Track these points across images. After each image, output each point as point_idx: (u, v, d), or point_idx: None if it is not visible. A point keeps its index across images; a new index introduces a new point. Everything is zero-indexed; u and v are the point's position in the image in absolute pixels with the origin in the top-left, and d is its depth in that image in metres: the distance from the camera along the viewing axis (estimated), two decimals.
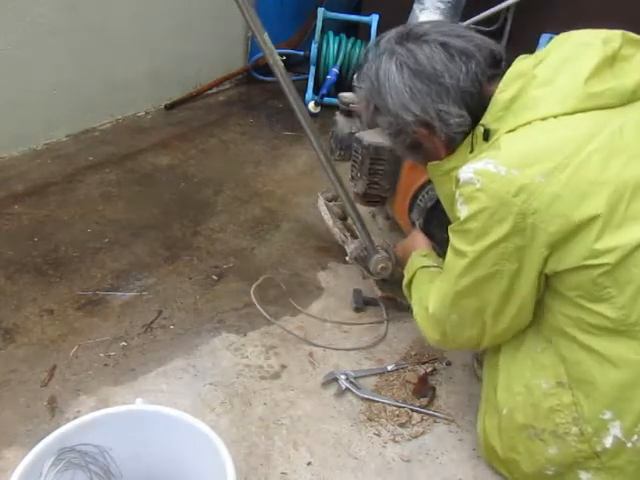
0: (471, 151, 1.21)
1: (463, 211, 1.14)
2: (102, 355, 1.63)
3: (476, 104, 1.21)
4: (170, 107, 3.30)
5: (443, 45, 1.21)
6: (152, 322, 1.76)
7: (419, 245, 1.60)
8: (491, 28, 3.65)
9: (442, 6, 2.29)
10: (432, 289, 1.31)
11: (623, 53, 1.15)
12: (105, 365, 1.59)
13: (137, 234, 2.17)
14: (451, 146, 1.26)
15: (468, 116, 1.21)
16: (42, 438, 1.08)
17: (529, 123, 1.12)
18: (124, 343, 1.67)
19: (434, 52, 1.20)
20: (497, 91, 1.18)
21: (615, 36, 1.17)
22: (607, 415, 1.12)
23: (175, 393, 1.52)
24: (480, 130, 1.19)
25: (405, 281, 1.52)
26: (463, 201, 1.14)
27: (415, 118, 1.23)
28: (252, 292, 1.84)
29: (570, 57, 1.16)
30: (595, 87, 1.11)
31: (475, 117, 1.21)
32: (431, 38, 1.22)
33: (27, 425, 1.41)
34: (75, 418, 1.26)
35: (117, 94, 3.03)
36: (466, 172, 1.13)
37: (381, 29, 3.50)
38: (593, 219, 1.05)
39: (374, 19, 3.53)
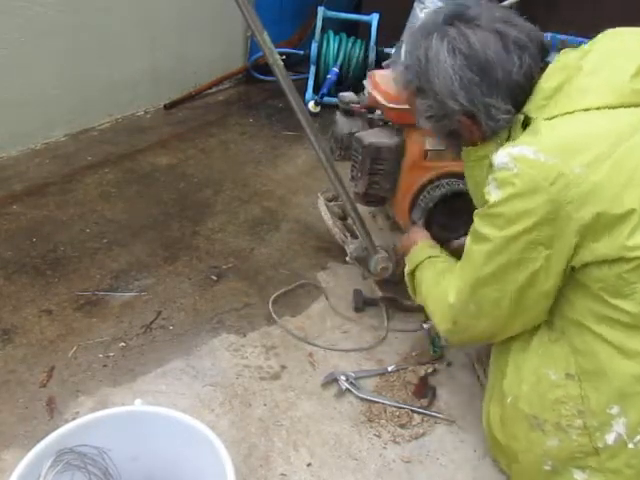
0: (508, 138, 1.20)
1: (495, 195, 1.12)
2: (101, 356, 1.62)
3: (523, 97, 1.18)
4: (169, 107, 3.29)
5: (498, 33, 1.16)
6: (151, 323, 1.75)
7: (421, 238, 1.60)
8: None
9: (443, 5, 2.28)
10: (452, 278, 1.28)
11: None
12: (104, 366, 1.59)
13: (136, 234, 2.17)
14: (491, 136, 1.24)
15: (514, 110, 1.19)
16: (41, 439, 1.08)
17: (570, 113, 1.11)
18: (123, 344, 1.67)
19: (488, 40, 1.16)
20: (541, 80, 1.16)
21: None
22: (614, 410, 1.12)
23: (174, 394, 1.52)
24: (520, 118, 1.17)
25: (408, 269, 1.51)
26: (496, 185, 1.11)
27: (461, 108, 1.20)
28: (271, 301, 1.85)
29: (616, 52, 1.16)
30: None
31: (520, 109, 1.19)
32: (484, 23, 1.17)
33: (26, 426, 1.40)
34: (74, 419, 1.26)
35: (116, 93, 3.02)
36: (502, 157, 1.11)
37: (381, 28, 3.49)
38: (629, 214, 1.04)
39: (374, 18, 3.52)
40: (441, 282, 1.35)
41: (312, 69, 3.56)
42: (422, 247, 1.53)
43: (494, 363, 1.37)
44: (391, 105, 1.64)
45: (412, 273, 1.50)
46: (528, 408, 1.22)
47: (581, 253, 1.09)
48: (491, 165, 1.14)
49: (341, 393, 1.56)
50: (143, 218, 2.27)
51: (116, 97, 3.03)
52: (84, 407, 1.45)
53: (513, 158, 1.09)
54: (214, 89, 3.59)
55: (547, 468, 1.22)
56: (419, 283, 1.46)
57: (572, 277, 1.15)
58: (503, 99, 1.17)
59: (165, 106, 3.28)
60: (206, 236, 2.20)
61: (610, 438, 1.13)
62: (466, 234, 1.68)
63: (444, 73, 1.18)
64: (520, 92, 1.18)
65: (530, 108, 1.17)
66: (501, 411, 1.29)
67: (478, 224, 1.19)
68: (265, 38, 1.47)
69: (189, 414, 1.16)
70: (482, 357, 1.64)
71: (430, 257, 1.48)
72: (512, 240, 1.12)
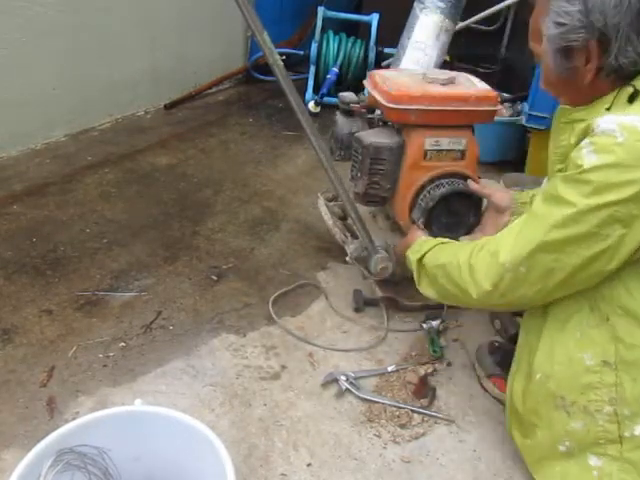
0: (608, 108, 1.16)
1: (589, 160, 1.07)
2: (101, 356, 1.62)
3: None
4: (169, 107, 3.30)
5: None
6: (151, 323, 1.75)
7: (424, 234, 1.59)
8: (492, 27, 3.65)
9: (443, 5, 2.29)
10: (504, 239, 1.23)
11: None
12: (104, 366, 1.59)
13: (136, 234, 2.17)
14: (597, 81, 1.18)
15: None
16: (41, 439, 1.07)
17: None
18: (123, 344, 1.67)
19: None
20: None
21: None
22: None
23: (174, 394, 1.52)
24: (628, 91, 1.13)
25: (414, 258, 1.49)
26: (593, 150, 1.07)
27: (602, 27, 1.11)
28: (271, 301, 1.85)
29: None
30: None
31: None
32: None
33: (26, 426, 1.40)
34: (74, 419, 1.26)
35: (116, 94, 3.03)
36: (608, 122, 1.07)
37: (381, 28, 3.50)
38: None
39: (374, 18, 3.53)
40: (484, 245, 1.29)
41: (312, 69, 3.56)
42: (428, 239, 1.53)
43: (524, 337, 1.34)
44: (391, 105, 1.64)
45: (420, 260, 1.48)
46: (556, 388, 1.21)
47: None
48: (586, 131, 1.10)
49: (341, 393, 1.56)
50: (143, 218, 2.27)
51: (116, 97, 3.04)
52: (84, 407, 1.45)
53: (621, 126, 1.05)
54: (214, 89, 3.60)
55: (562, 449, 1.21)
56: (433, 262, 1.43)
57: (639, 265, 1.12)
58: None
59: (165, 106, 3.28)
60: (206, 236, 2.20)
61: (638, 429, 1.13)
62: (467, 234, 1.71)
63: None
64: None
65: None
66: (525, 385, 1.28)
67: (560, 187, 1.12)
68: (265, 38, 1.47)
69: (189, 414, 1.16)
70: (481, 357, 1.64)
71: (443, 242, 1.47)
72: (594, 211, 1.07)
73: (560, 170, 1.18)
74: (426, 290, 1.48)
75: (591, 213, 1.08)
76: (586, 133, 1.11)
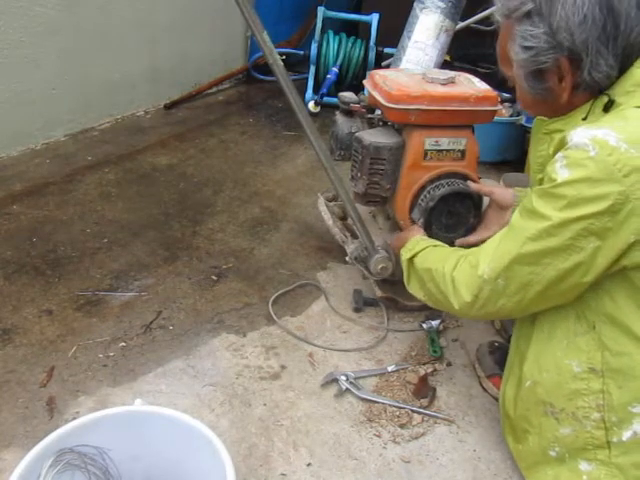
0: (584, 118, 1.16)
1: (562, 174, 1.07)
2: (101, 356, 1.62)
3: (627, 66, 1.13)
4: (169, 107, 3.30)
5: None
6: (151, 322, 1.75)
7: (419, 233, 1.60)
8: (492, 27, 3.64)
9: (443, 5, 2.29)
10: (484, 251, 1.24)
11: None
12: (104, 366, 1.59)
13: (136, 234, 2.17)
14: (573, 97, 1.18)
15: (616, 72, 1.13)
16: (41, 439, 1.07)
17: None
18: (123, 344, 1.67)
19: None
20: (636, 65, 1.13)
21: None
22: (637, 408, 1.12)
23: (174, 394, 1.52)
24: (603, 100, 1.14)
25: (405, 257, 1.50)
26: (566, 164, 1.07)
27: (571, 45, 1.11)
28: (271, 301, 1.85)
29: None
30: None
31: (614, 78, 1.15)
32: None
33: (26, 426, 1.40)
34: (74, 419, 1.26)
35: (116, 94, 3.03)
36: (581, 136, 1.06)
37: (381, 28, 3.50)
38: None
39: (374, 18, 3.53)
40: (467, 256, 1.29)
41: (312, 69, 3.56)
42: (422, 239, 1.54)
43: (515, 343, 1.35)
44: (391, 105, 1.64)
45: (410, 259, 1.49)
46: (545, 395, 1.22)
47: (635, 253, 1.07)
48: (563, 142, 1.11)
49: (341, 393, 1.56)
50: (143, 218, 2.27)
51: (116, 97, 3.04)
52: (84, 407, 1.45)
53: (594, 140, 1.04)
54: (214, 89, 3.60)
55: (552, 454, 1.22)
56: (422, 264, 1.44)
57: (622, 275, 1.12)
58: (614, 54, 1.11)
59: (165, 106, 3.28)
60: (206, 236, 2.20)
61: (626, 435, 1.13)
62: (466, 234, 1.71)
63: (571, 3, 1.10)
64: (628, 56, 1.13)
65: (617, 92, 1.13)
66: (516, 391, 1.29)
67: (536, 201, 1.13)
68: (265, 38, 1.47)
69: (189, 414, 1.16)
70: (481, 357, 1.64)
71: (435, 245, 1.48)
72: (568, 224, 1.07)
73: (541, 179, 1.19)
74: (414, 290, 1.49)
75: (565, 226, 1.08)
76: (563, 144, 1.11)
